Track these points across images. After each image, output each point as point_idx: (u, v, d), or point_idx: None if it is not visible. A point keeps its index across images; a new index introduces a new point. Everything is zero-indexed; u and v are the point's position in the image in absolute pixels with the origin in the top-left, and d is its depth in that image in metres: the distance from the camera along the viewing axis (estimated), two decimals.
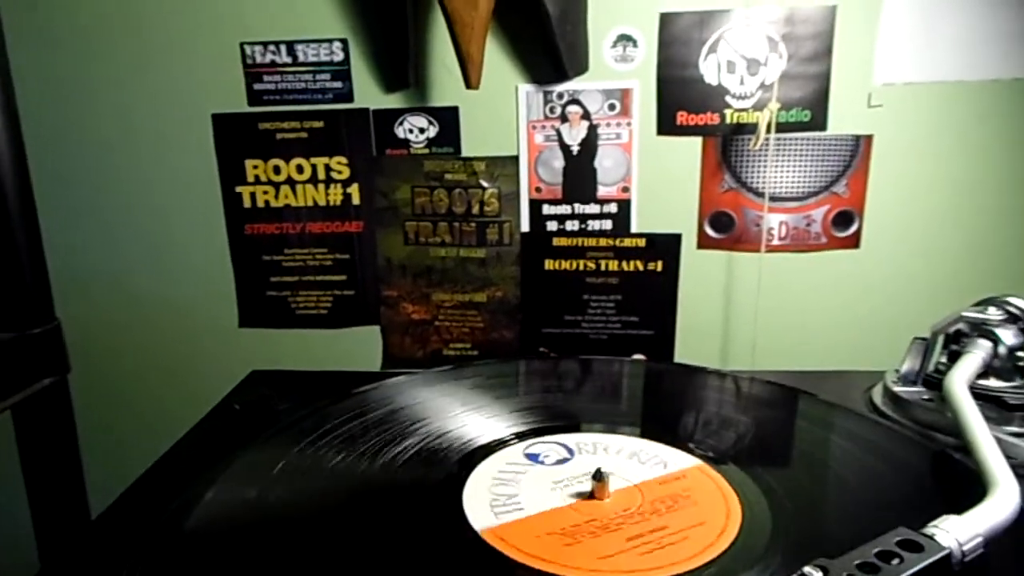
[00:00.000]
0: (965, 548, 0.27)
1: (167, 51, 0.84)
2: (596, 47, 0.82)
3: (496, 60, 0.82)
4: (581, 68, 0.82)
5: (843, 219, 0.85)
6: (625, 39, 0.81)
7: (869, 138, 0.82)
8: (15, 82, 0.62)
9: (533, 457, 0.42)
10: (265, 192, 0.88)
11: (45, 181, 0.82)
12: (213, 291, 0.90)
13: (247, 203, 0.88)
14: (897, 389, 0.49)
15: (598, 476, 0.36)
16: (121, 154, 0.87)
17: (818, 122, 0.82)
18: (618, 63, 0.82)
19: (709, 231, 0.86)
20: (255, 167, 0.87)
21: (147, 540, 0.33)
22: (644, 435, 0.45)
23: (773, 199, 0.84)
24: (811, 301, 0.86)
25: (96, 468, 0.70)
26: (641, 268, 0.88)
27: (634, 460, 0.42)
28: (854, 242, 0.85)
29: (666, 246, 0.87)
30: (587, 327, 0.90)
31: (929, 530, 0.27)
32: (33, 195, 0.67)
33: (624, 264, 0.88)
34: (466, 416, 0.47)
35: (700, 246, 0.87)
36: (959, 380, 0.40)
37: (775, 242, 0.86)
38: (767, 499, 0.36)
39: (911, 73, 0.80)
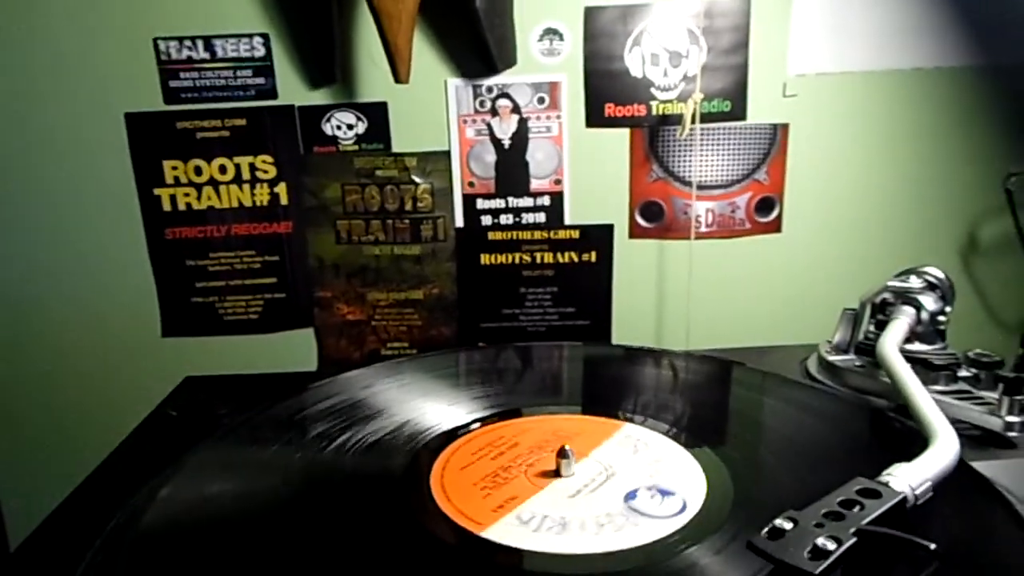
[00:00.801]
0: (917, 492, 0.28)
1: (75, 47, 0.79)
2: (523, 41, 0.82)
3: (424, 54, 0.81)
4: (509, 62, 0.82)
5: (765, 205, 0.88)
6: (551, 33, 0.82)
7: (785, 127, 0.86)
8: None
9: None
10: (186, 194, 0.84)
11: None
12: (133, 300, 0.86)
13: (167, 206, 0.84)
14: (831, 358, 0.51)
15: (562, 453, 0.36)
16: (29, 157, 0.81)
17: (738, 112, 0.85)
18: (545, 56, 0.83)
19: (640, 221, 0.88)
20: (174, 168, 0.83)
21: (102, 544, 0.31)
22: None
23: (699, 187, 0.87)
24: (740, 285, 0.89)
25: (13, 497, 0.65)
26: (576, 259, 0.89)
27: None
28: (776, 226, 0.89)
29: (599, 237, 0.88)
30: (525, 320, 0.90)
31: (884, 478, 0.29)
32: None
33: (559, 256, 0.89)
34: (421, 405, 0.47)
35: (632, 235, 0.88)
36: (890, 344, 0.42)
37: (703, 229, 0.88)
38: (726, 466, 0.37)
39: (823, 64, 0.85)
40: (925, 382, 0.45)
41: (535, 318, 0.90)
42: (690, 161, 0.86)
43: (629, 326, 0.90)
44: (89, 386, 0.86)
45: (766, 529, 0.26)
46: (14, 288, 0.84)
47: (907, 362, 0.45)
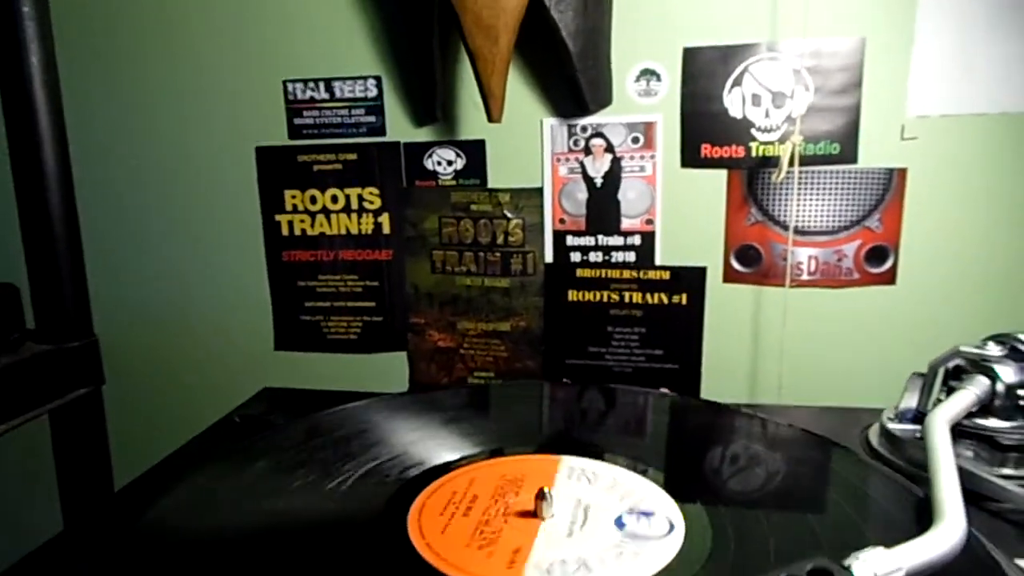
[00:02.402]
0: None
1: (215, 87, 0.90)
2: (620, 81, 0.83)
3: (521, 94, 0.84)
4: (604, 102, 0.83)
5: (877, 254, 0.82)
6: (648, 73, 0.82)
7: (903, 171, 0.80)
8: (66, 114, 0.68)
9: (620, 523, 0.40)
10: (302, 221, 0.92)
11: (92, 207, 0.89)
12: (251, 315, 0.95)
13: (285, 231, 0.92)
14: (892, 426, 0.47)
15: (541, 495, 0.36)
16: (168, 183, 0.93)
17: (848, 155, 0.80)
18: (641, 97, 0.83)
19: (735, 264, 0.85)
20: (293, 197, 0.91)
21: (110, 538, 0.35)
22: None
23: (802, 233, 0.82)
24: (842, 338, 0.83)
25: (124, 474, 0.73)
26: (666, 301, 0.87)
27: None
28: (889, 278, 0.82)
29: (691, 279, 0.86)
30: (611, 359, 0.89)
31: (848, 560, 0.26)
32: (78, 221, 0.73)
33: (648, 296, 0.87)
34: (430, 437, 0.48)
35: (726, 279, 0.85)
36: (941, 416, 0.38)
37: (804, 277, 0.83)
38: (711, 527, 0.36)
39: (947, 105, 0.78)
40: (991, 463, 0.41)
41: (621, 358, 0.89)
42: (792, 205, 0.82)
43: (719, 373, 0.87)
44: (207, 388, 0.96)
45: None
46: (152, 297, 0.96)
47: (972, 439, 0.41)
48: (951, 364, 0.45)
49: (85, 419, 0.68)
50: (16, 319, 0.64)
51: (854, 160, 0.80)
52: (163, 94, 0.91)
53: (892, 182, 0.80)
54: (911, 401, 0.47)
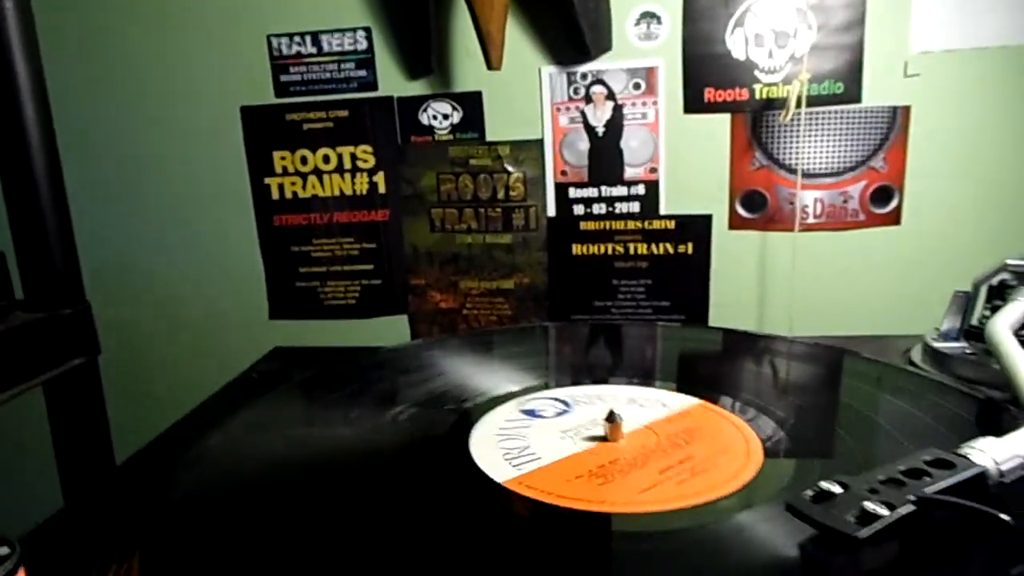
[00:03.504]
0: (1003, 467, 0.24)
1: (196, 46, 0.85)
2: (619, 25, 0.80)
3: (518, 42, 0.81)
4: (604, 47, 0.81)
5: (882, 194, 0.82)
6: (649, 16, 0.80)
7: (907, 109, 0.79)
8: (47, 76, 0.64)
9: (530, 413, 0.40)
10: (293, 183, 0.88)
11: (76, 173, 0.84)
12: (243, 283, 0.91)
13: (275, 195, 0.89)
14: (938, 345, 0.46)
15: (611, 418, 0.34)
16: (151, 146, 0.89)
17: (852, 94, 0.79)
18: (642, 41, 0.81)
19: (741, 211, 0.84)
20: (283, 158, 0.88)
21: (169, 480, 0.33)
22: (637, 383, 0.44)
23: (807, 176, 0.81)
24: (851, 279, 0.83)
25: (123, 447, 0.70)
26: (671, 251, 0.86)
27: (634, 405, 0.40)
28: (894, 218, 0.82)
29: (696, 228, 0.85)
30: (617, 312, 0.88)
31: (963, 450, 0.25)
32: (63, 183, 0.69)
33: (654, 247, 0.86)
34: (467, 375, 0.46)
35: (732, 226, 0.84)
36: (1002, 322, 0.37)
37: (810, 220, 0.83)
38: (781, 428, 0.34)
39: (950, 40, 0.77)
40: None
41: (627, 311, 0.88)
42: (797, 147, 0.81)
43: (727, 321, 0.86)
44: (201, 359, 0.92)
45: (810, 491, 0.23)
46: (139, 262, 0.92)
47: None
48: (996, 280, 0.45)
49: (82, 391, 0.64)
50: (4, 286, 0.60)
51: (858, 99, 0.79)
52: (143, 54, 0.86)
53: (896, 120, 0.80)
54: (955, 320, 0.46)
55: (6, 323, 0.60)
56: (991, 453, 0.25)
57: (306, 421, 0.42)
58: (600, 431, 0.35)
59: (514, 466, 0.34)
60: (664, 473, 0.32)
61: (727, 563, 0.25)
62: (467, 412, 0.40)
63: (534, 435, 0.37)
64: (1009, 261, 0.43)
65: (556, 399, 0.42)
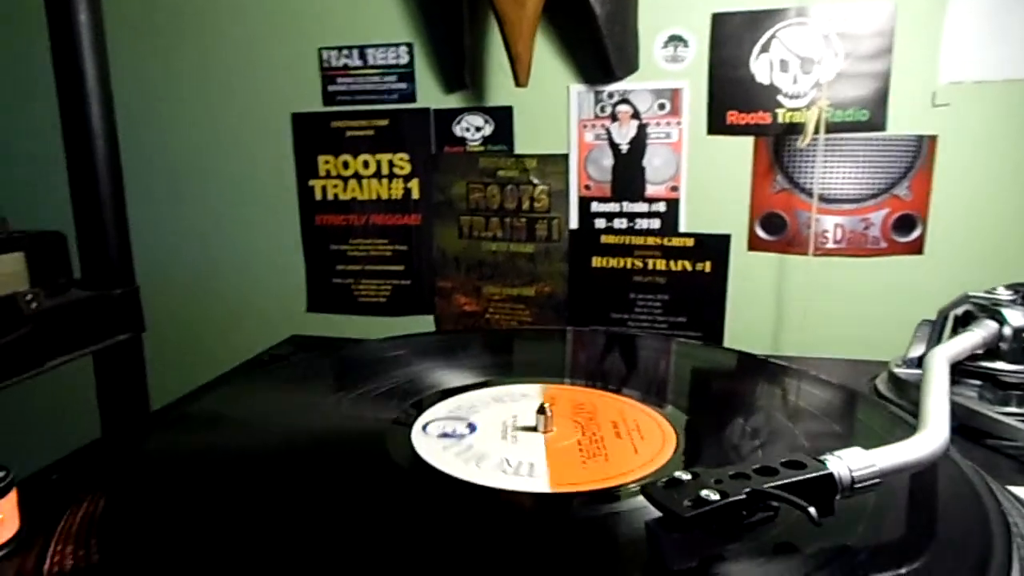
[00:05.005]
0: (856, 474, 0.26)
1: (255, 56, 0.93)
2: (647, 47, 0.83)
3: (549, 61, 0.85)
4: (630, 68, 0.84)
5: (905, 223, 0.81)
6: (676, 40, 0.82)
7: (933, 139, 0.79)
8: (113, 77, 0.72)
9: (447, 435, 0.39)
10: (335, 186, 0.95)
11: (137, 169, 0.93)
12: (285, 277, 0.98)
13: (318, 195, 0.95)
14: (898, 371, 0.47)
15: (541, 410, 0.37)
16: (209, 146, 0.97)
17: (876, 122, 0.79)
18: (668, 63, 0.83)
19: (760, 232, 0.85)
20: (327, 162, 0.94)
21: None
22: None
23: (828, 201, 0.82)
24: (869, 306, 0.83)
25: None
26: (689, 268, 0.87)
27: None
28: (917, 247, 0.82)
29: (715, 246, 0.86)
30: (634, 325, 0.90)
31: (824, 456, 0.27)
32: (122, 178, 0.77)
33: (672, 263, 0.88)
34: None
35: (751, 247, 0.86)
36: (941, 352, 0.39)
37: (830, 245, 0.83)
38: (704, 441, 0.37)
39: (981, 71, 0.77)
40: (993, 403, 0.41)
41: (644, 324, 0.90)
42: (818, 172, 0.81)
43: (743, 340, 0.87)
44: (240, 345, 0.99)
45: (664, 479, 0.26)
46: (189, 251, 1.00)
47: (974, 377, 0.41)
48: (960, 310, 0.45)
49: (126, 363, 0.71)
50: (63, 265, 0.68)
51: (883, 127, 0.79)
52: (207, 61, 0.94)
53: (922, 149, 0.79)
54: (919, 348, 0.47)
55: (64, 298, 0.67)
56: (848, 461, 0.27)
57: (273, 401, 0.46)
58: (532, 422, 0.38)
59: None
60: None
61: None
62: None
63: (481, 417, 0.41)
64: (971, 293, 0.44)
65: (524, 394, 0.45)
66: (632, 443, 0.37)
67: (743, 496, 0.24)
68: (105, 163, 0.73)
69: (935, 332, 0.47)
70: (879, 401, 0.45)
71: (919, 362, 0.47)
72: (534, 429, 0.37)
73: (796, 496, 0.25)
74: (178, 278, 1.00)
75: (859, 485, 0.27)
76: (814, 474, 0.26)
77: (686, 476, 0.26)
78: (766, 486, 0.25)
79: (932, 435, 0.29)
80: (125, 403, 0.72)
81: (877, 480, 0.27)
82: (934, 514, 0.32)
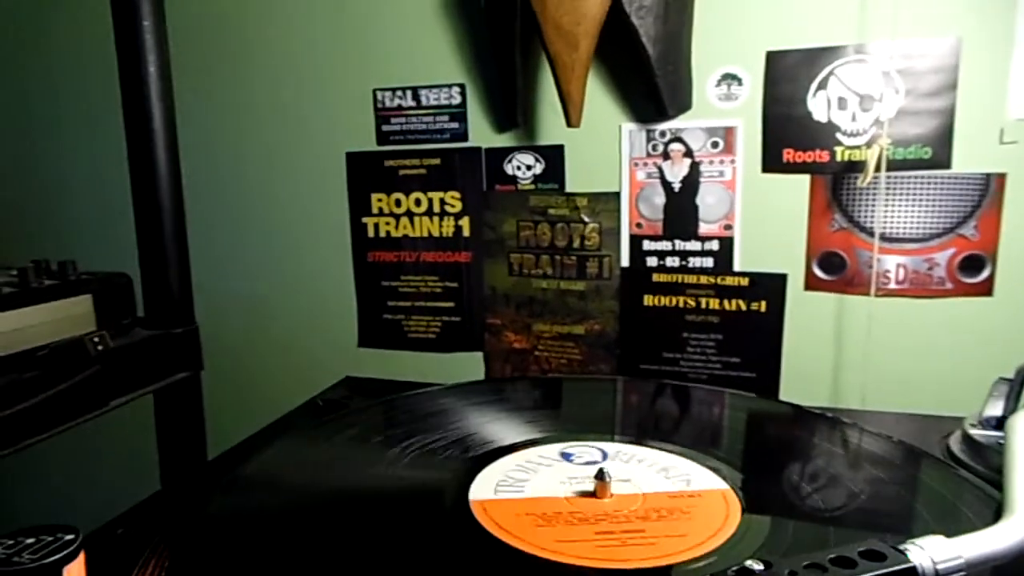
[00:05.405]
0: (940, 567, 0.25)
1: (311, 96, 0.95)
2: (700, 85, 0.83)
3: (601, 100, 0.85)
4: (683, 107, 0.83)
5: (972, 263, 0.78)
6: (730, 78, 0.82)
7: (1002, 176, 0.76)
8: (178, 119, 0.74)
9: (567, 455, 0.43)
10: (387, 223, 0.96)
11: (198, 205, 0.96)
12: (338, 312, 1.00)
13: (371, 233, 0.97)
14: (974, 432, 0.45)
15: (600, 476, 0.37)
16: (266, 185, 0.99)
17: (940, 159, 0.77)
18: (722, 101, 0.82)
19: (818, 272, 0.83)
20: (379, 200, 0.96)
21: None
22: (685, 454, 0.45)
23: (890, 240, 0.79)
24: (933, 350, 0.80)
25: (214, 450, 0.78)
26: (744, 308, 0.86)
27: (661, 474, 0.42)
28: (986, 289, 0.78)
29: (771, 286, 0.84)
30: (686, 366, 0.89)
31: (905, 544, 0.26)
32: (185, 218, 0.79)
33: (726, 303, 0.86)
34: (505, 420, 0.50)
35: (808, 287, 0.83)
36: (1023, 417, 0.37)
37: (892, 285, 0.80)
38: (771, 522, 0.35)
39: None
40: None
41: (697, 365, 0.88)
42: (880, 211, 0.79)
43: (799, 383, 0.84)
44: (294, 380, 1.01)
45: (735, 567, 0.25)
46: (245, 287, 1.02)
47: None
48: None
49: (185, 401, 0.73)
50: (128, 305, 0.70)
51: (947, 165, 0.77)
52: (264, 103, 0.97)
53: (989, 187, 0.76)
54: (996, 407, 0.45)
55: (128, 338, 0.70)
56: (931, 551, 0.26)
57: (332, 455, 0.47)
58: (591, 486, 0.38)
59: (495, 491, 0.37)
60: (600, 535, 0.34)
61: None
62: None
63: (546, 473, 0.40)
64: None
65: (598, 448, 0.45)
66: (691, 517, 0.36)
67: None
68: (169, 205, 0.75)
69: (1013, 391, 0.44)
70: (963, 473, 0.42)
71: (997, 423, 0.45)
72: (592, 494, 0.37)
73: None
74: (233, 314, 1.02)
75: None
76: (896, 568, 0.25)
77: (757, 566, 0.25)
78: None
79: (1020, 522, 0.28)
80: (183, 440, 0.74)
81: (963, 573, 0.25)
82: None
